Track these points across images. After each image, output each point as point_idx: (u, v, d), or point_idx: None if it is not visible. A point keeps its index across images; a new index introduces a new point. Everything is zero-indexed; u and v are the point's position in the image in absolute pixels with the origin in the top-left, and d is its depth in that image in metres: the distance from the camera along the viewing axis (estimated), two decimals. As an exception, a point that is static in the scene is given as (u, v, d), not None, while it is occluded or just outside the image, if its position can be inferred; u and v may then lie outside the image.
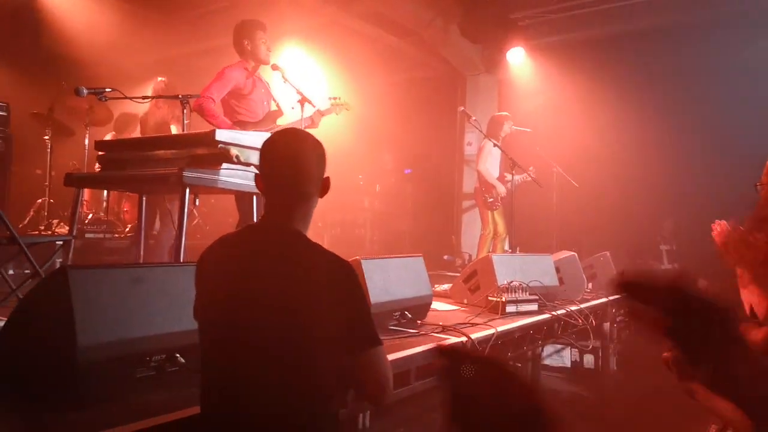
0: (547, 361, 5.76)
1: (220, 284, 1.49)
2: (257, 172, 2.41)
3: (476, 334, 3.04)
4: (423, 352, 2.54)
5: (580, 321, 4.10)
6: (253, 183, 3.04)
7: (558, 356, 6.01)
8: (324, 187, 1.60)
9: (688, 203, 6.42)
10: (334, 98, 4.41)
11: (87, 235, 5.72)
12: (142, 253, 3.53)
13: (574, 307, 4.18)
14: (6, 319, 1.87)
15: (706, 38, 6.18)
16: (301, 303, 1.41)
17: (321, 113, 4.23)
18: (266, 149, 1.56)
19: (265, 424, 1.40)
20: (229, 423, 1.41)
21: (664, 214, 7.02)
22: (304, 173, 1.53)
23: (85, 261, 4.78)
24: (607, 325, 5.42)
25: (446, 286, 4.78)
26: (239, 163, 2.92)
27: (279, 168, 1.53)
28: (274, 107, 4.21)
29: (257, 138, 3.06)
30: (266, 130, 3.73)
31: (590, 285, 5.11)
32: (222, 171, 2.86)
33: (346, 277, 1.48)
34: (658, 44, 6.51)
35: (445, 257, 7.35)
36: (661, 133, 6.64)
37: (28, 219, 5.98)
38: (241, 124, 3.96)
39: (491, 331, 3.18)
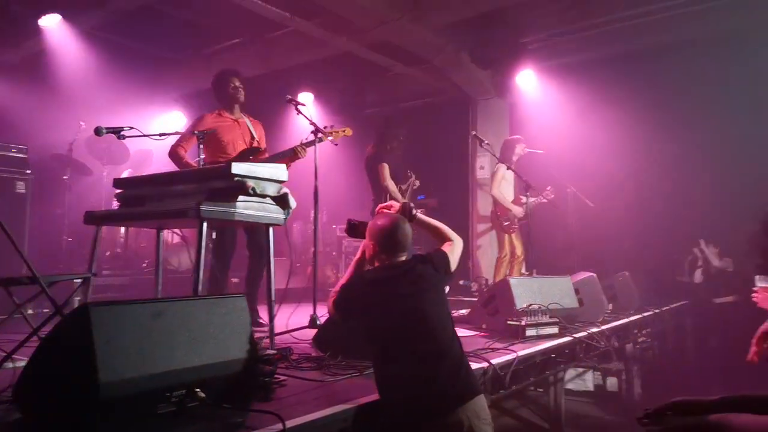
0: (569, 385, 5.64)
1: (386, 302, 2.40)
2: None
3: (497, 359, 3.01)
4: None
5: (602, 342, 4.03)
6: (268, 214, 3.07)
7: (580, 380, 5.89)
8: None
9: (714, 217, 6.27)
10: (327, 126, 4.41)
11: (104, 272, 5.78)
12: (159, 288, 3.54)
13: (595, 329, 4.12)
14: (27, 359, 1.88)
15: (717, 51, 6.16)
16: (429, 289, 2.47)
17: (304, 144, 4.27)
18: (383, 229, 2.55)
19: (448, 375, 2.24)
20: (424, 379, 2.21)
21: (686, 230, 6.68)
22: (408, 237, 2.56)
23: (103, 298, 4.81)
24: (630, 347, 5.32)
25: (464, 311, 4.73)
26: (255, 194, 2.95)
27: (395, 238, 2.53)
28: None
29: (272, 170, 3.09)
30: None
31: (611, 306, 5.04)
32: (238, 203, 2.89)
33: (429, 255, 2.62)
34: (671, 60, 6.47)
35: (462, 282, 7.28)
36: (678, 150, 6.56)
37: (47, 258, 6.06)
38: (214, 162, 4.18)
39: (512, 356, 3.14)
